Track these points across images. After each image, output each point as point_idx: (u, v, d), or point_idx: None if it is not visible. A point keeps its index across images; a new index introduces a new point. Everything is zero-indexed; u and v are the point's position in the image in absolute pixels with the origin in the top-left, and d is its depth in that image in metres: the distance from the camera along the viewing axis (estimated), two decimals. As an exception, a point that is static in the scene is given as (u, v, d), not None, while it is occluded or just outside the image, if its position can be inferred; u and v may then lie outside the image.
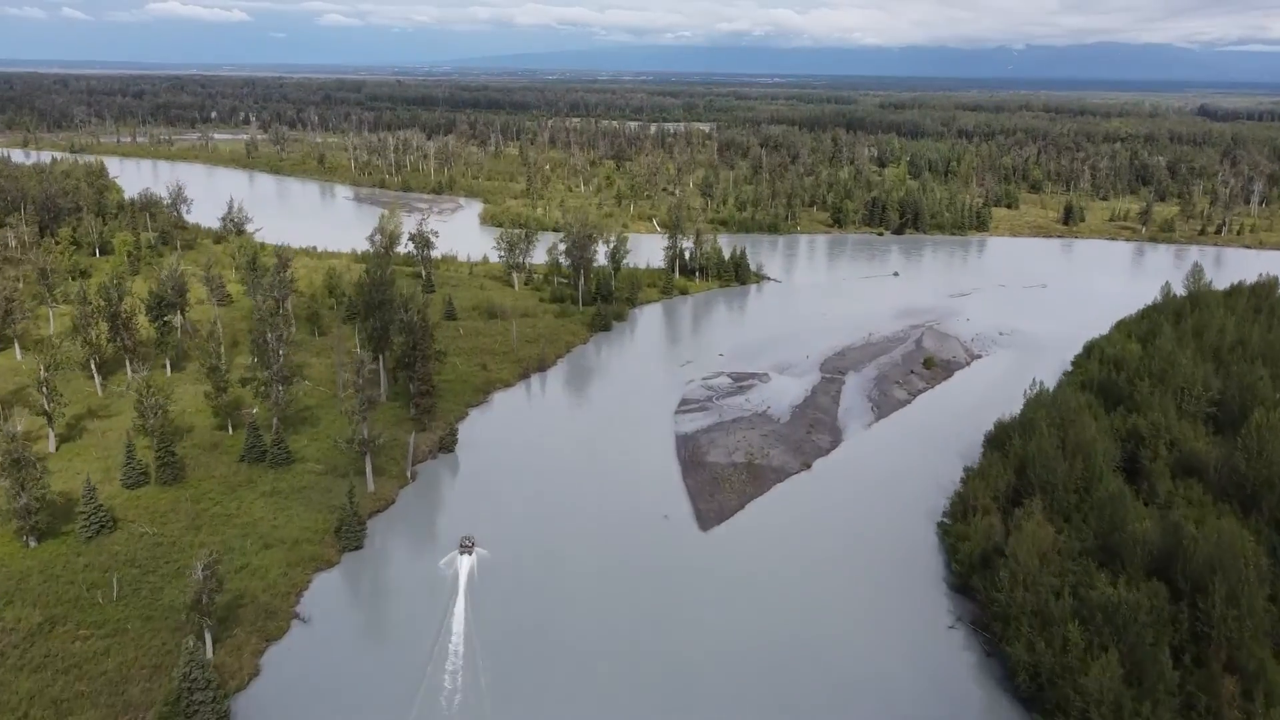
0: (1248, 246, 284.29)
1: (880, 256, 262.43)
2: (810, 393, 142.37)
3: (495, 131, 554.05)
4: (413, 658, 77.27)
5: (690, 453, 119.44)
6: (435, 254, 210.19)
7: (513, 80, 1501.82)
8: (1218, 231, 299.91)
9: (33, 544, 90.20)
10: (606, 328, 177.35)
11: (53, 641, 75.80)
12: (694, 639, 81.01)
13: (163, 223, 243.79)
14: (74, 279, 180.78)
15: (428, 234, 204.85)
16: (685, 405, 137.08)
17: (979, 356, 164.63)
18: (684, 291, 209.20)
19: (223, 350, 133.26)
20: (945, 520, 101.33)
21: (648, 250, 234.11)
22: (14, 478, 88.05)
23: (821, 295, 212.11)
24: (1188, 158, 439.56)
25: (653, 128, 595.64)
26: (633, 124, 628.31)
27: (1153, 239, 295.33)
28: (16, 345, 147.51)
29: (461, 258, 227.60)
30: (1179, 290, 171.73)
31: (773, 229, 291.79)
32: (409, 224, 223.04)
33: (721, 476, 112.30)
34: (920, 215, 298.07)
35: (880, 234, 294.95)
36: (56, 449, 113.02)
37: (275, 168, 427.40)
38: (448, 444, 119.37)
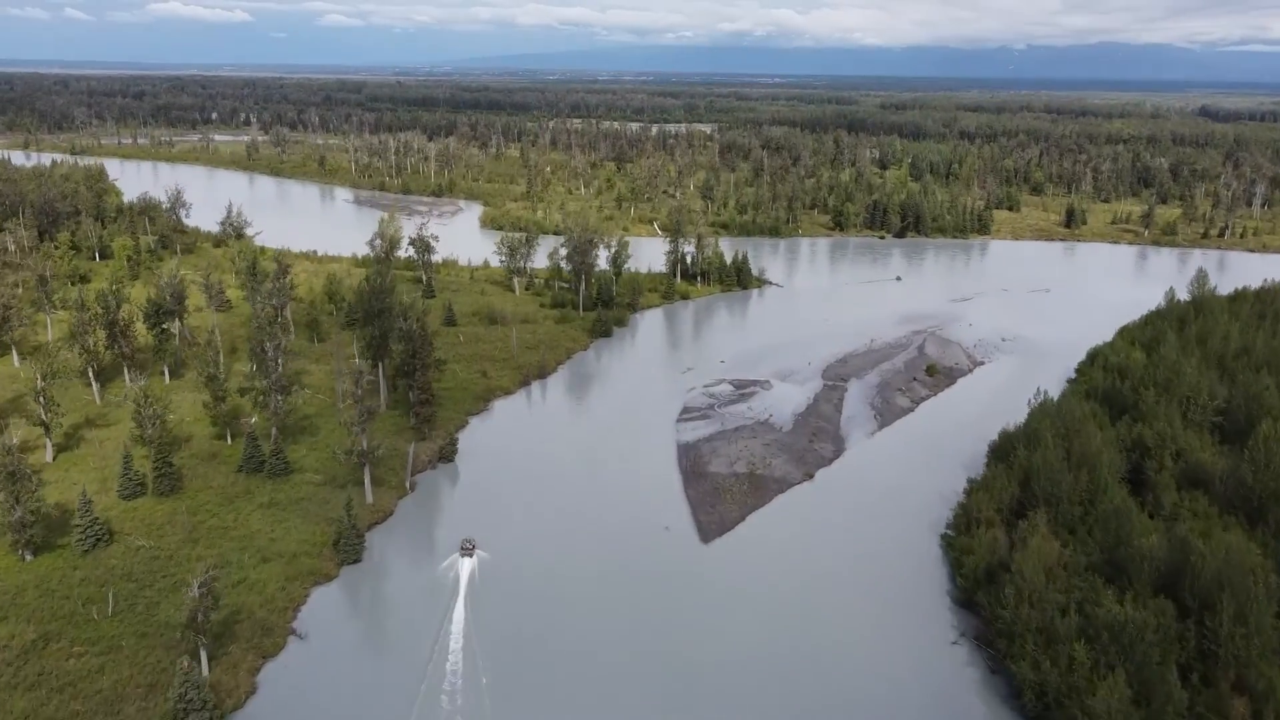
0: (1251, 250, 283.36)
1: (882, 260, 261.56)
2: (812, 400, 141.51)
3: (496, 133, 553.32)
4: (411, 670, 76.55)
5: (692, 462, 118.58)
6: (435, 258, 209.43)
7: (514, 81, 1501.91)
8: (1220, 235, 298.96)
9: (28, 558, 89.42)
10: (607, 333, 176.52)
11: (47, 659, 75.00)
12: (695, 650, 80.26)
13: (162, 226, 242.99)
14: (73, 284, 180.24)
15: (428, 238, 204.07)
16: (687, 413, 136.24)
17: (982, 363, 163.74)
18: (685, 296, 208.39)
19: (221, 358, 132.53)
20: (949, 532, 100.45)
21: (649, 254, 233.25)
22: (9, 491, 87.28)
23: (823, 300, 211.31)
24: (1190, 159, 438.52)
25: (654, 129, 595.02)
26: (634, 125, 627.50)
27: (1155, 242, 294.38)
28: (14, 352, 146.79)
29: (462, 262, 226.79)
30: (1183, 296, 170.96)
31: (774, 232, 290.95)
32: (409, 227, 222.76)
33: (723, 487, 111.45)
34: (922, 218, 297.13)
35: (882, 237, 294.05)
36: (54, 459, 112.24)
37: (275, 170, 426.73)
38: (447, 453, 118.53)
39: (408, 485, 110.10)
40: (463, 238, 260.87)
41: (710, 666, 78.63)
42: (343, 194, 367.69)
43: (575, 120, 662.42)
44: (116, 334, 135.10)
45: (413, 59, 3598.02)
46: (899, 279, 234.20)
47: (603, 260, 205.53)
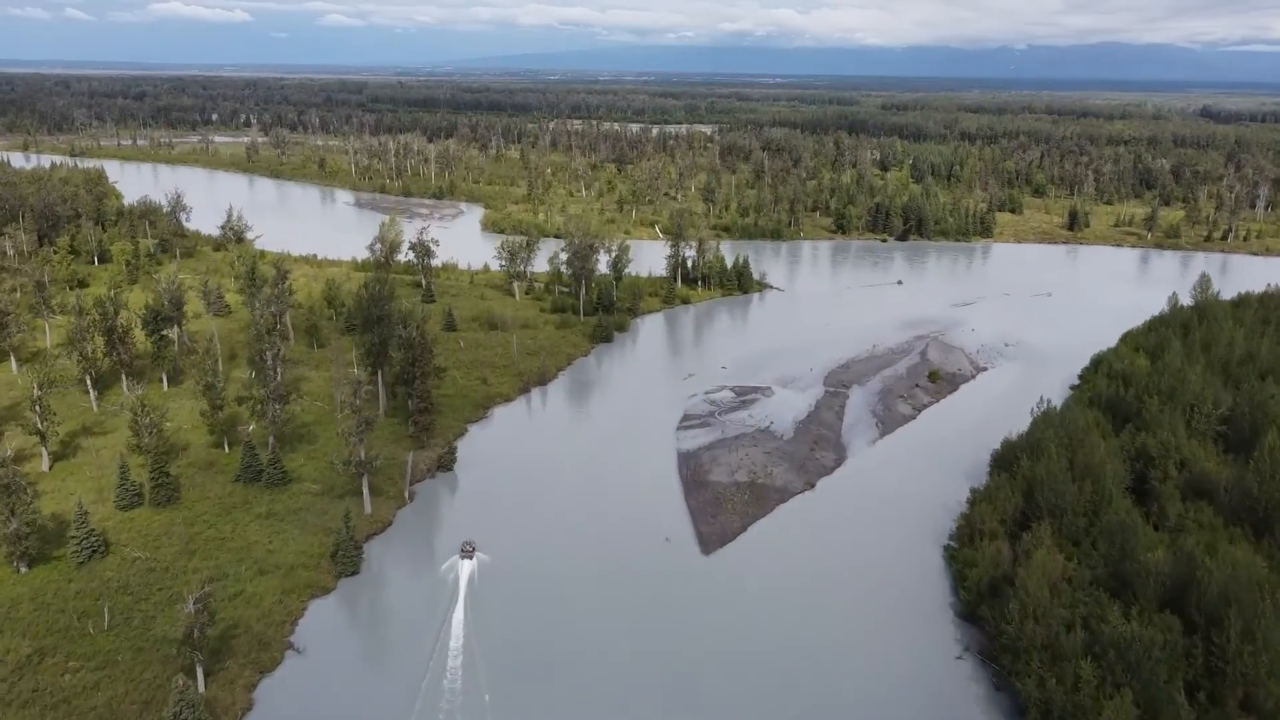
0: (1254, 253, 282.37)
1: (883, 264, 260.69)
2: (814, 407, 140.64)
3: (497, 134, 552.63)
4: (408, 683, 75.89)
5: (692, 471, 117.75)
6: (436, 262, 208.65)
7: (514, 81, 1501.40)
8: (1223, 237, 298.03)
9: (23, 570, 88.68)
10: (608, 339, 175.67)
11: (42, 674, 74.26)
12: (695, 663, 79.54)
13: (162, 230, 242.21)
14: (71, 289, 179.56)
15: (428, 243, 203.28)
16: (687, 421, 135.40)
17: (984, 369, 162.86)
18: (686, 301, 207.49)
19: (220, 365, 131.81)
20: (952, 544, 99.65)
21: (649, 257, 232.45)
22: (3, 503, 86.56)
23: (824, 304, 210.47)
24: (1192, 161, 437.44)
25: (654, 130, 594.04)
26: (634, 126, 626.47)
27: (1158, 245, 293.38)
28: (13, 358, 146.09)
29: (462, 266, 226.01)
30: (1186, 300, 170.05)
31: (775, 235, 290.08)
32: (409, 231, 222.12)
33: (724, 496, 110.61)
34: (924, 221, 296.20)
35: (883, 240, 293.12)
36: (50, 468, 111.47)
37: (276, 172, 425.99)
38: (446, 462, 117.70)
39: (406, 495, 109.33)
40: (463, 241, 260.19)
41: (710, 676, 77.98)
42: (343, 196, 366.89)
43: (576, 121, 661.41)
44: (114, 340, 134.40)
45: (414, 59, 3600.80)
46: (901, 283, 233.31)
47: (603, 265, 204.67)
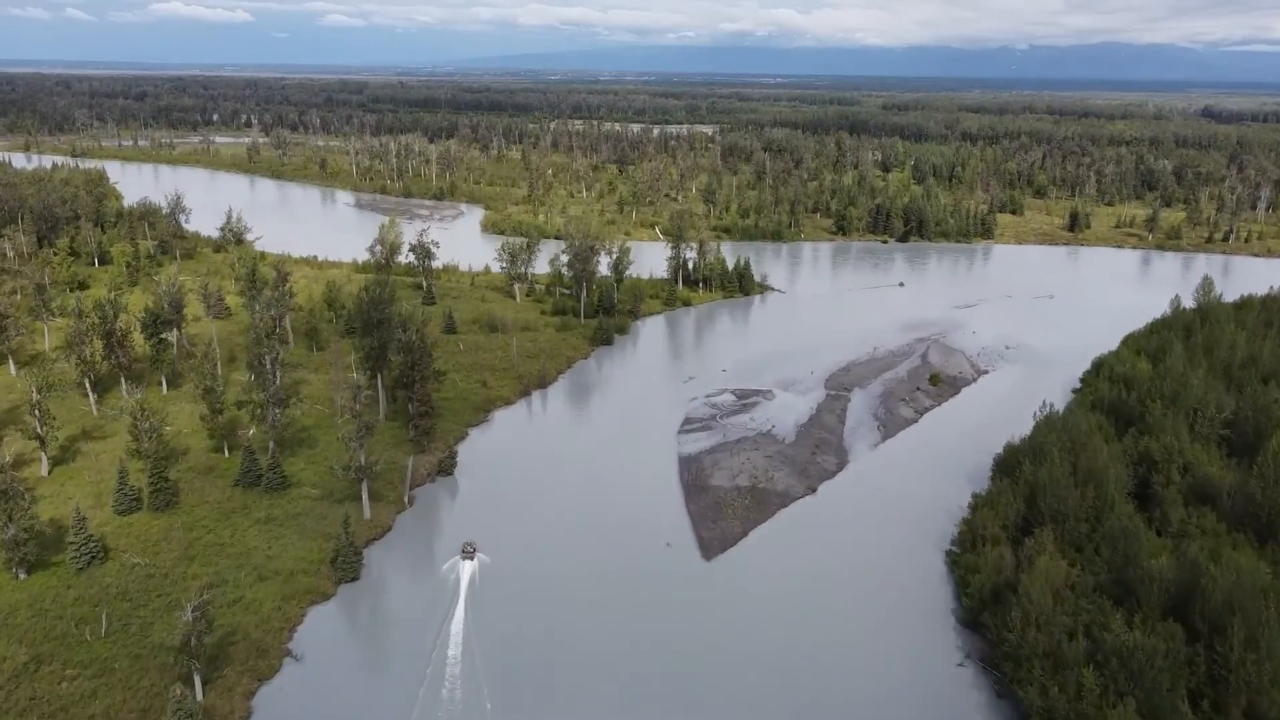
0: (1256, 255, 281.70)
1: (884, 265, 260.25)
2: (815, 411, 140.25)
3: (497, 135, 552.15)
4: (407, 690, 75.55)
5: (693, 476, 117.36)
6: (436, 264, 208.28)
7: (515, 81, 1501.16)
8: (1225, 239, 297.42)
9: (22, 576, 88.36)
10: (609, 341, 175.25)
11: (39, 682, 73.92)
12: (696, 667, 79.25)
13: (162, 231, 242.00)
14: (71, 291, 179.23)
15: (428, 244, 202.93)
16: (688, 424, 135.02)
17: (986, 372, 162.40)
18: (687, 303, 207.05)
19: (219, 368, 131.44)
20: (954, 549, 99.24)
21: (650, 258, 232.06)
22: (2, 508, 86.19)
23: (826, 306, 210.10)
24: (1193, 162, 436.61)
25: (655, 130, 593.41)
26: (635, 127, 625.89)
27: (1160, 246, 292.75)
28: (11, 361, 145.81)
29: (463, 267, 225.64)
30: (1188, 303, 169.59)
31: (776, 236, 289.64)
32: (410, 232, 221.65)
33: (725, 501, 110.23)
34: (925, 222, 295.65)
35: (884, 242, 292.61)
36: (49, 473, 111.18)
37: (276, 172, 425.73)
38: (446, 467, 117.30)
39: (406, 500, 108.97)
40: (464, 242, 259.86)
41: (711, 681, 77.68)
42: (344, 197, 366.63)
43: (576, 122, 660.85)
44: (114, 344, 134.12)
45: (414, 59, 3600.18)
46: (902, 285, 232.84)
47: (604, 266, 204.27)
